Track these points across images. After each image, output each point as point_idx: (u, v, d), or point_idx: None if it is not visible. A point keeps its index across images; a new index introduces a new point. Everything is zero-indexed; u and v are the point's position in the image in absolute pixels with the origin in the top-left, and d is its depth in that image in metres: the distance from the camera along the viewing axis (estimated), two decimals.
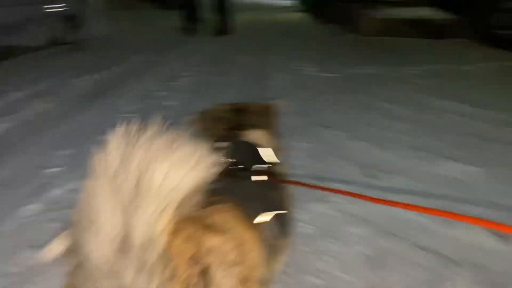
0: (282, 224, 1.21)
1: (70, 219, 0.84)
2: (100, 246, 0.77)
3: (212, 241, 0.87)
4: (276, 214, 1.15)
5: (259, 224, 1.07)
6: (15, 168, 3.17)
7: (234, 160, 1.28)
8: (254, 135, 1.54)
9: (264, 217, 1.10)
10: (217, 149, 0.94)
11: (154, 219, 0.78)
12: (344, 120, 4.34)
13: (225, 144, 1.38)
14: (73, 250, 0.83)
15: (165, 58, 7.66)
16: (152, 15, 13.33)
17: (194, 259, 0.83)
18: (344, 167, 3.22)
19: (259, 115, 1.70)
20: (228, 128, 1.59)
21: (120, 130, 0.85)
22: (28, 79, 5.85)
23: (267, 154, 1.42)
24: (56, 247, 0.88)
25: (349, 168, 3.20)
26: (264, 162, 1.38)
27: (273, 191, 1.30)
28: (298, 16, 17.57)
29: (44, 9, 7.83)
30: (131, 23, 11.60)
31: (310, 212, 2.50)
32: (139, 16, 12.50)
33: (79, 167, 3.09)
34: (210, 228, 0.89)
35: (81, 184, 0.82)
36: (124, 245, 0.76)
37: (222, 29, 11.00)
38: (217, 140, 1.42)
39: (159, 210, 0.79)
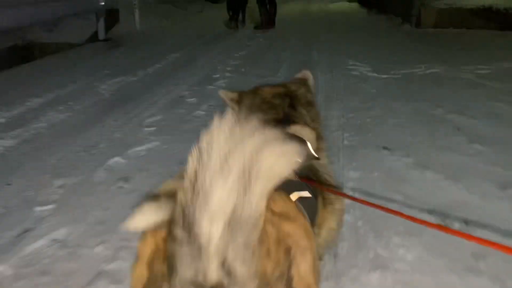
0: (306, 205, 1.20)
1: (155, 195, 0.91)
2: (210, 219, 0.79)
3: (288, 226, 0.97)
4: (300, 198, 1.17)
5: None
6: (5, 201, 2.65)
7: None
8: (297, 130, 1.49)
9: (299, 194, 1.15)
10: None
11: (261, 199, 0.84)
12: (403, 139, 3.55)
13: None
14: (173, 223, 0.84)
15: (196, 61, 7.08)
16: (197, 8, 12.82)
17: (279, 241, 0.92)
18: (407, 209, 2.45)
19: (306, 104, 1.66)
20: (276, 120, 1.53)
21: (221, 120, 0.86)
22: (52, 82, 5.43)
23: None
24: (142, 218, 0.91)
25: (413, 212, 2.43)
26: (312, 156, 1.42)
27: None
28: (349, 6, 16.53)
29: (85, 4, 7.46)
30: (175, 17, 11.13)
31: None
32: (183, 10, 12.02)
33: (76, 207, 2.54)
34: (282, 215, 0.98)
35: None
36: (233, 222, 0.80)
37: (265, 23, 10.29)
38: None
39: (265, 192, 0.85)
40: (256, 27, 10.21)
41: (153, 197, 0.93)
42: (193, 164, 0.83)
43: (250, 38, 9.07)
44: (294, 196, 1.13)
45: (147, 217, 0.91)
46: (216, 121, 0.85)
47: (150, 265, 0.93)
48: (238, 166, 0.81)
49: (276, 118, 1.55)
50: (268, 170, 0.84)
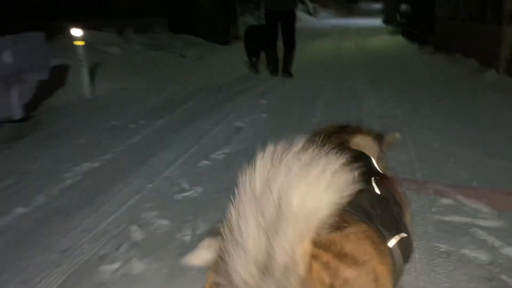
0: (404, 247, 1.09)
1: (216, 231, 0.86)
2: (244, 266, 0.77)
3: (349, 273, 0.85)
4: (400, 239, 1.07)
5: (389, 248, 1.02)
6: None
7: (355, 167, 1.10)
8: (359, 141, 1.42)
9: (395, 240, 1.05)
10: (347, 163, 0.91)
11: (295, 243, 0.77)
12: None
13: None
14: (216, 263, 0.83)
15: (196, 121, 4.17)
16: (198, 53, 10.08)
17: None
18: None
19: (363, 132, 1.52)
20: (328, 136, 1.40)
21: (266, 151, 0.83)
22: None
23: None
24: (203, 255, 0.95)
25: None
26: (377, 173, 1.27)
27: (396, 206, 1.18)
28: (392, 41, 13.43)
29: None
30: (160, 70, 8.36)
31: None
32: (179, 57, 9.33)
33: None
34: (347, 258, 0.87)
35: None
36: (266, 266, 0.76)
37: (273, 68, 7.93)
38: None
39: (300, 233, 0.78)
40: (272, 71, 7.88)
41: (214, 233, 0.91)
42: (232, 209, 0.81)
43: (256, 94, 6.08)
44: (395, 239, 1.04)
45: (207, 253, 0.93)
46: (257, 158, 0.82)
47: None
48: (268, 208, 0.77)
49: (325, 135, 1.38)
50: (300, 210, 0.77)
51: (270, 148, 0.83)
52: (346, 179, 0.82)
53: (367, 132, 1.51)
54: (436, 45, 9.84)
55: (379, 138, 1.56)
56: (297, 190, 0.77)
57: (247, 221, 0.77)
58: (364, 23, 22.12)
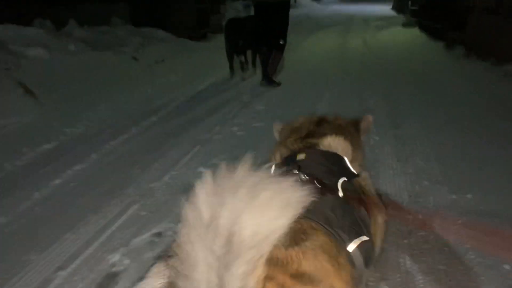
0: (366, 251, 1.08)
1: (166, 255, 0.84)
2: None
3: None
4: (360, 242, 1.06)
5: (348, 253, 1.02)
6: None
7: (314, 173, 1.19)
8: (330, 143, 1.40)
9: (355, 244, 1.04)
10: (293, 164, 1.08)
11: (248, 273, 0.76)
12: None
13: (302, 156, 1.30)
14: None
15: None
16: (160, 54, 7.82)
17: None
18: None
19: (339, 127, 1.51)
20: (300, 137, 1.45)
21: (208, 177, 0.81)
22: None
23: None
24: (153, 283, 0.96)
25: None
26: (350, 174, 1.28)
27: (361, 210, 1.19)
28: (406, 34, 11.10)
29: None
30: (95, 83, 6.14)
31: None
32: (131, 59, 7.09)
33: None
34: (303, 277, 0.86)
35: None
36: None
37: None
38: (289, 153, 1.37)
39: (253, 262, 0.76)
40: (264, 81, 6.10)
41: (164, 258, 0.92)
42: (180, 239, 0.80)
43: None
44: (355, 243, 1.04)
45: (157, 280, 0.90)
46: (200, 183, 0.81)
47: None
48: (217, 239, 0.75)
49: (299, 136, 1.46)
50: (251, 238, 0.76)
51: (214, 172, 0.80)
52: (297, 197, 0.81)
53: (339, 130, 1.47)
54: (468, 46, 7.56)
55: (355, 125, 1.58)
56: (248, 217, 0.75)
57: (196, 255, 0.75)
58: (372, 10, 19.65)
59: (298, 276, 0.85)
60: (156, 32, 8.71)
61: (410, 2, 13.92)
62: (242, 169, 0.82)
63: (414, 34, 11.02)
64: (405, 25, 12.75)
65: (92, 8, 8.57)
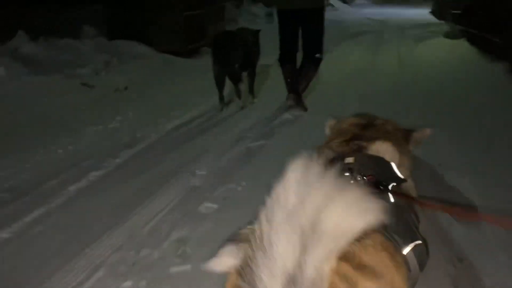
0: (419, 254, 1.12)
1: (237, 237, 0.89)
2: (270, 275, 0.78)
3: (368, 285, 0.88)
4: (415, 245, 1.10)
5: (404, 256, 1.06)
6: None
7: (370, 177, 1.21)
8: (378, 148, 1.38)
9: (410, 247, 1.08)
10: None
11: (325, 261, 0.80)
12: None
13: (350, 159, 1.28)
14: (241, 268, 0.84)
15: None
16: (124, 79, 6.03)
17: None
18: None
19: (387, 133, 1.52)
20: (346, 140, 1.46)
21: (298, 163, 0.84)
22: None
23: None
24: (224, 261, 0.92)
25: None
26: (398, 179, 1.27)
27: (411, 215, 1.22)
28: (454, 47, 8.94)
29: None
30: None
31: None
32: (86, 87, 5.34)
33: None
34: (365, 270, 0.89)
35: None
36: (295, 279, 0.77)
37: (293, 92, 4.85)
38: (340, 156, 1.34)
39: (329, 252, 0.80)
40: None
41: (234, 240, 0.93)
42: (263, 216, 0.82)
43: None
44: (410, 247, 1.07)
45: (228, 259, 0.91)
46: (289, 169, 0.84)
47: None
48: (301, 224, 0.79)
49: (345, 139, 1.47)
50: (333, 230, 0.80)
51: (300, 161, 0.83)
52: (377, 206, 0.83)
53: (387, 135, 1.45)
54: None
55: (407, 135, 1.56)
56: (334, 213, 0.79)
57: (279, 233, 0.78)
58: (408, 14, 17.39)
59: (361, 267, 0.88)
60: (132, 46, 6.94)
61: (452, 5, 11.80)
62: (318, 165, 0.84)
63: (462, 49, 8.86)
64: (449, 35, 10.57)
65: (55, 14, 6.85)
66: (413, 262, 1.06)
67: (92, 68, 5.81)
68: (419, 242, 1.10)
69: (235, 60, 4.55)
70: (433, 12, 17.03)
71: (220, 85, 4.62)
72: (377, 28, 13.05)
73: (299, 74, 4.86)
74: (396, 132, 1.54)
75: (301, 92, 4.88)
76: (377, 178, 1.20)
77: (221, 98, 4.72)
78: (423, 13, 17.29)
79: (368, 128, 1.51)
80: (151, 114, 4.66)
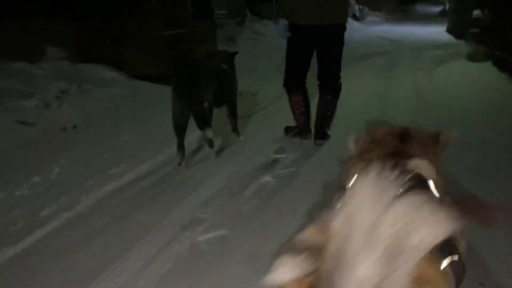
0: (457, 271, 1.10)
1: (291, 247, 0.87)
2: None
3: None
4: (452, 261, 1.08)
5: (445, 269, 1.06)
6: None
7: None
8: (417, 165, 1.34)
9: (447, 262, 1.05)
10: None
11: (406, 276, 0.79)
12: None
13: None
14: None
15: None
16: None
17: None
18: None
19: (423, 144, 1.51)
20: (385, 154, 1.43)
21: (372, 174, 0.86)
22: None
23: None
24: (283, 273, 0.89)
25: None
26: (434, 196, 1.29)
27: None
28: (486, 78, 7.71)
29: None
30: None
31: None
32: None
33: None
34: (423, 280, 0.89)
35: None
36: None
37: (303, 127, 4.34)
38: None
39: (410, 268, 0.80)
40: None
41: (293, 249, 0.91)
42: (338, 227, 0.82)
43: None
44: (447, 260, 1.05)
45: (288, 270, 0.89)
46: (360, 180, 0.85)
47: None
48: (386, 239, 0.79)
49: (386, 153, 1.43)
50: (418, 244, 0.81)
51: (369, 176, 0.84)
52: (449, 217, 0.85)
53: (424, 150, 1.45)
54: None
55: (435, 138, 1.56)
56: (419, 233, 0.79)
57: (361, 246, 0.77)
58: (424, 33, 16.21)
59: (416, 278, 0.85)
60: (99, 71, 5.87)
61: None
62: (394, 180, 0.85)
63: (488, 73, 7.67)
64: (472, 57, 9.37)
65: (13, 31, 5.84)
66: (450, 277, 1.03)
67: (41, 100, 4.74)
68: (457, 258, 1.07)
69: (204, 97, 3.44)
70: (449, 31, 15.85)
71: (180, 130, 3.49)
72: (391, 48, 11.92)
73: (322, 108, 4.18)
74: (429, 141, 1.53)
75: (326, 125, 4.22)
76: None
77: (181, 147, 3.58)
78: (439, 31, 16.11)
79: (405, 140, 1.49)
80: (91, 167, 3.56)
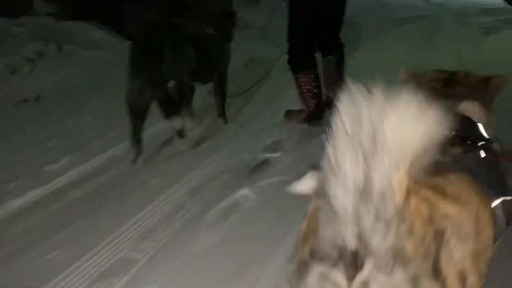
0: (508, 210, 1.10)
1: (318, 165, 0.86)
2: (344, 192, 0.80)
3: (449, 208, 0.89)
4: (503, 200, 1.09)
5: (491, 210, 1.05)
6: None
7: (459, 132, 1.21)
8: (465, 108, 1.34)
9: (499, 201, 1.07)
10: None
11: (391, 171, 0.80)
12: None
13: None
14: (319, 192, 0.87)
15: None
16: None
17: (430, 221, 0.85)
18: None
19: (471, 88, 1.45)
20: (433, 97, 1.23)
21: (350, 90, 0.84)
22: None
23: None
24: (306, 184, 1.01)
25: None
26: (485, 139, 1.26)
27: (503, 173, 1.22)
28: None
29: None
30: None
31: None
32: None
33: None
34: (448, 195, 0.91)
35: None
36: (364, 193, 0.79)
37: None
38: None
39: (394, 162, 0.80)
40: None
41: (316, 166, 0.92)
42: (329, 145, 0.85)
43: None
44: (499, 200, 1.06)
45: (310, 182, 0.97)
46: (343, 98, 0.83)
47: (309, 221, 0.97)
48: (363, 137, 0.80)
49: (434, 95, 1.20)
50: (393, 140, 0.80)
51: (354, 89, 0.82)
52: (435, 116, 0.81)
53: (473, 93, 1.40)
54: None
55: (485, 83, 1.49)
56: (389, 124, 0.79)
57: (344, 153, 0.79)
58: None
59: (443, 194, 0.88)
60: (87, 30, 5.10)
61: None
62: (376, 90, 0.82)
63: None
64: None
65: None
66: (501, 217, 1.04)
67: (7, 63, 4.05)
68: (509, 198, 1.08)
69: (171, 73, 2.62)
70: None
71: (138, 117, 2.70)
72: (432, 13, 10.59)
73: (333, 70, 3.64)
74: (479, 85, 1.46)
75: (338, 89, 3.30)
76: (466, 135, 1.19)
77: (137, 139, 2.77)
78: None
79: (450, 84, 1.44)
80: (24, 160, 2.81)
